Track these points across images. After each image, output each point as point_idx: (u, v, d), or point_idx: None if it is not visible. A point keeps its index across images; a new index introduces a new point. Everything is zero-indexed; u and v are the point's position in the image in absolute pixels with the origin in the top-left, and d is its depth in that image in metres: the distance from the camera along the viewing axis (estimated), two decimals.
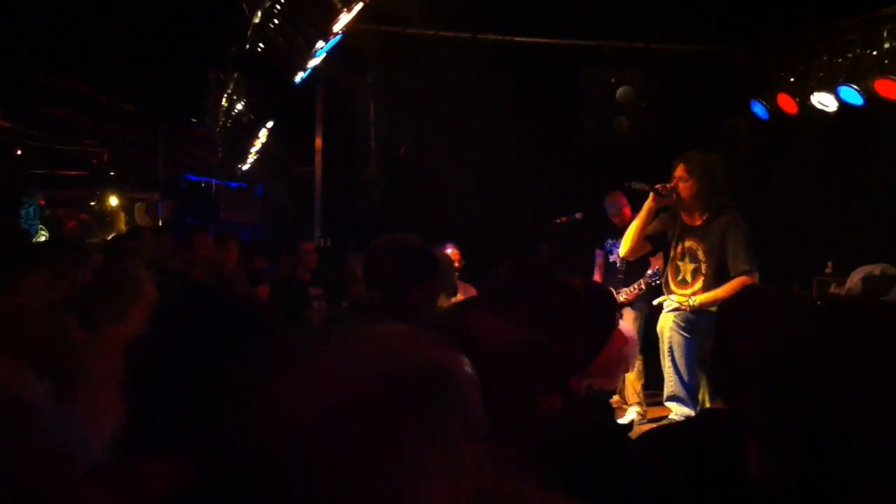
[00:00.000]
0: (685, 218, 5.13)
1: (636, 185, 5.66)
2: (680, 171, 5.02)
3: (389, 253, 3.02)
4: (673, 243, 5.18)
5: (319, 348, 0.89)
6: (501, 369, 1.46)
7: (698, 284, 4.99)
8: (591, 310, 2.48)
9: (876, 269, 4.23)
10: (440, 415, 0.85)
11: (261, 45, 7.21)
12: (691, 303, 4.89)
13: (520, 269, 2.16)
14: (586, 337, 2.38)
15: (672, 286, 5.15)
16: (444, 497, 0.84)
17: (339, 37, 6.33)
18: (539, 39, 7.79)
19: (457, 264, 6.04)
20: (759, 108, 7.45)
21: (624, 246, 5.38)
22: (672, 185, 5.04)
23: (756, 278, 4.81)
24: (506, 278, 2.12)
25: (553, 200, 7.45)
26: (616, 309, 2.58)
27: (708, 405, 4.77)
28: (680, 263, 5.12)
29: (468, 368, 0.92)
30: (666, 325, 4.99)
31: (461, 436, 0.87)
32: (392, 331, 0.93)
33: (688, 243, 5.09)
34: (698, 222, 5.07)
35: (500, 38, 7.70)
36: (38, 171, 15.33)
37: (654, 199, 5.14)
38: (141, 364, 1.43)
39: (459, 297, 5.93)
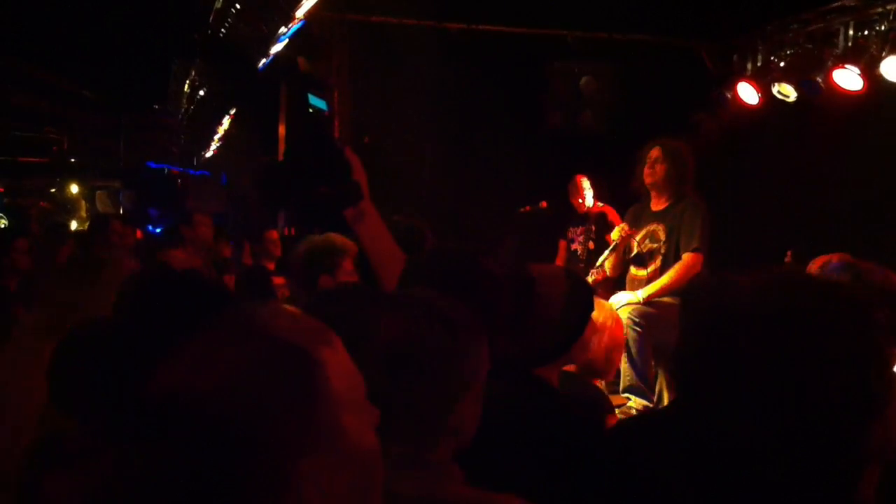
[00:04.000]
0: (652, 203, 5.19)
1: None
2: (656, 152, 5.10)
3: None
4: (636, 229, 5.23)
5: (215, 326, 0.94)
6: (416, 369, 1.43)
7: (656, 264, 5.06)
8: (570, 299, 2.47)
9: (834, 259, 4.27)
10: (301, 392, 0.87)
11: (223, 30, 7.13)
12: (638, 297, 4.94)
13: (439, 257, 2.12)
14: (549, 328, 2.36)
15: (631, 268, 5.21)
16: (323, 473, 0.85)
17: (301, 23, 6.28)
18: (504, 28, 7.78)
19: None
20: (722, 100, 7.50)
21: (607, 268, 5.42)
22: (648, 166, 5.11)
23: (700, 258, 4.88)
24: (424, 266, 2.08)
25: (518, 190, 7.45)
26: (592, 299, 2.54)
27: (666, 395, 4.81)
28: (640, 244, 5.18)
29: (343, 361, 0.93)
30: None
31: (333, 415, 0.88)
32: (276, 314, 0.96)
33: (650, 227, 5.14)
34: (662, 206, 5.14)
35: (464, 27, 7.67)
36: None
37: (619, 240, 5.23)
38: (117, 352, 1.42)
39: None
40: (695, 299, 2.27)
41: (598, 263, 5.43)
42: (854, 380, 1.11)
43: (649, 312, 4.88)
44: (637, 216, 5.30)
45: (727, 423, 1.22)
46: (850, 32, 6.39)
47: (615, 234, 5.26)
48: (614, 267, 5.34)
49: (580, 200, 6.60)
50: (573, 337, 2.48)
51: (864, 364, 1.12)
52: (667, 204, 5.14)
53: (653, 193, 5.19)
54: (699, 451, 1.46)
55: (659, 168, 5.11)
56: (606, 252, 5.34)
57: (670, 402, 2.46)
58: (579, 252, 6.48)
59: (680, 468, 1.68)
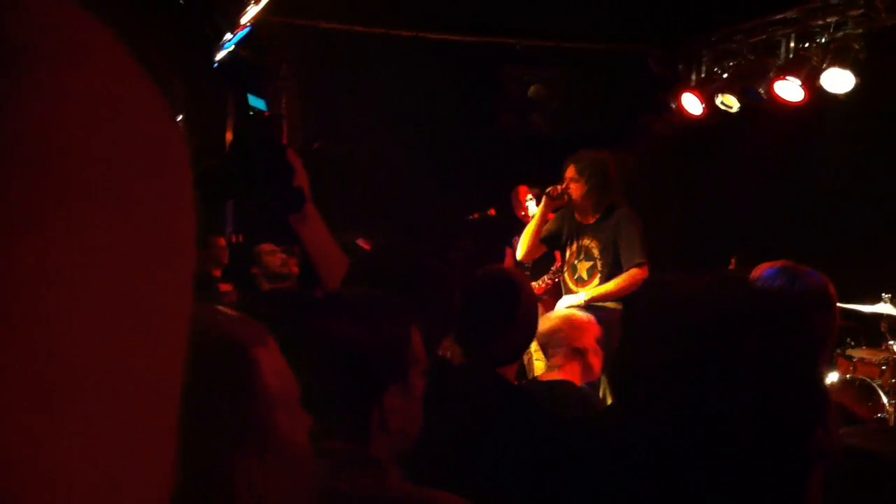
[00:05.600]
0: (578, 217, 5.19)
1: (532, 192, 5.77)
2: (571, 171, 5.09)
3: None
4: (568, 243, 5.24)
5: None
6: (344, 367, 1.47)
7: (595, 282, 5.07)
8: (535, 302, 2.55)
9: (777, 265, 4.34)
10: (236, 389, 0.86)
11: None
12: (581, 300, 4.95)
13: (382, 258, 2.15)
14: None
15: (570, 284, 5.22)
16: (254, 469, 0.85)
17: (247, 29, 6.21)
18: (453, 37, 7.79)
19: None
20: (667, 107, 7.61)
21: (521, 249, 5.41)
22: (563, 185, 5.10)
23: (647, 271, 4.91)
24: (367, 267, 2.10)
25: (468, 196, 7.46)
26: (517, 297, 2.59)
27: (609, 400, 4.84)
28: (576, 262, 5.19)
29: (278, 361, 0.93)
30: None
31: (266, 413, 0.88)
32: (215, 314, 0.97)
33: (583, 241, 5.15)
34: (591, 220, 5.13)
35: (413, 34, 7.66)
36: None
37: (546, 202, 5.20)
38: None
39: None
40: (638, 305, 2.30)
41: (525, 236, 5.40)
42: (794, 382, 1.12)
43: (593, 314, 4.92)
44: (567, 217, 5.31)
45: (669, 427, 1.23)
46: (792, 44, 6.53)
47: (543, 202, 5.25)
48: (531, 247, 5.32)
49: (522, 213, 6.63)
50: (533, 336, 2.60)
51: (802, 366, 1.13)
52: (596, 217, 5.13)
53: (575, 209, 5.20)
54: (645, 453, 1.47)
55: (574, 187, 5.09)
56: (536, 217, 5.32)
57: (611, 406, 2.51)
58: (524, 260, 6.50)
59: (630, 469, 1.70)
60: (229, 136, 8.91)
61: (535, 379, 3.93)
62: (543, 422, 2.31)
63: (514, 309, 2.50)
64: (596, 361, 3.30)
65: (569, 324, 3.10)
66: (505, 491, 1.82)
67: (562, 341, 3.24)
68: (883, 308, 5.06)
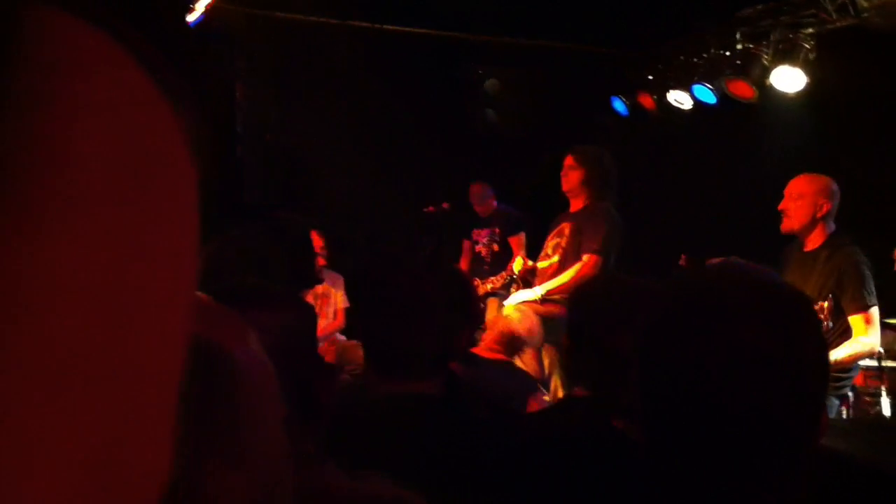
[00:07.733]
0: (570, 207, 5.30)
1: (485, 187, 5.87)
2: (569, 160, 5.20)
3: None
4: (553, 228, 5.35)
5: None
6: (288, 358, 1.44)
7: (556, 258, 5.14)
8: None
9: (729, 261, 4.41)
10: (211, 394, 0.83)
11: None
12: (535, 296, 5.01)
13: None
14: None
15: (538, 265, 5.30)
16: (229, 477, 0.82)
17: (201, 17, 6.11)
18: (409, 29, 7.75)
19: (319, 251, 5.90)
20: (619, 105, 7.66)
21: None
22: (563, 174, 5.21)
23: (599, 261, 4.97)
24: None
25: (423, 190, 7.45)
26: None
27: (561, 392, 4.87)
28: (548, 241, 5.28)
29: (255, 354, 0.90)
30: None
31: (242, 422, 0.85)
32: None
33: (560, 225, 5.24)
34: (576, 209, 5.23)
35: (369, 25, 7.61)
36: None
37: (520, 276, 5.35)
38: None
39: (325, 286, 5.85)
40: (584, 300, 2.32)
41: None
42: (790, 378, 1.09)
43: (548, 311, 4.95)
44: (558, 215, 5.40)
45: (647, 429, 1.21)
46: (743, 44, 6.61)
47: (516, 266, 5.33)
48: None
49: (487, 204, 6.65)
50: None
51: (795, 360, 1.09)
52: (581, 206, 5.23)
53: (570, 199, 5.28)
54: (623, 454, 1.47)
55: (572, 175, 5.19)
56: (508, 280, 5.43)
57: (571, 398, 2.52)
58: (483, 254, 6.51)
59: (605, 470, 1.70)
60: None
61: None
62: (495, 417, 2.30)
63: (459, 304, 2.51)
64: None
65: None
66: (468, 486, 1.81)
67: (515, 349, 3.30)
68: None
